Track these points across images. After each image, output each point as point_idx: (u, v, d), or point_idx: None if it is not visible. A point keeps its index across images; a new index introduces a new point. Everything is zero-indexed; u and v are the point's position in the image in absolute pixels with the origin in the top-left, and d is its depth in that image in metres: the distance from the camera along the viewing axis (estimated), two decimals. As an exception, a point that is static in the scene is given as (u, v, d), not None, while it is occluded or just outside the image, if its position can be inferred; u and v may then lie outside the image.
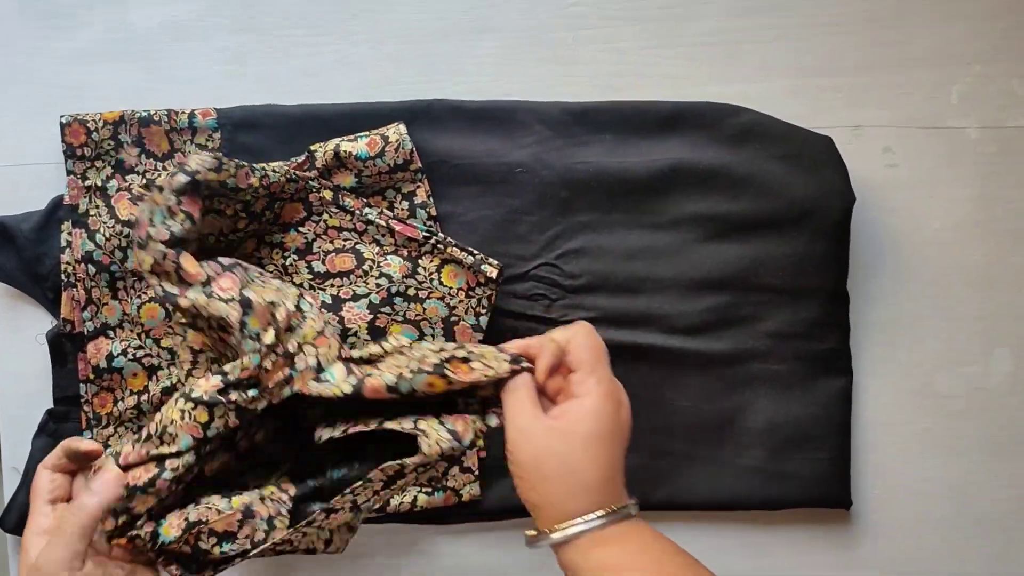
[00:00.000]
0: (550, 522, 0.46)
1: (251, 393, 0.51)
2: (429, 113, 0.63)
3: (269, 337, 0.51)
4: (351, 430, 0.52)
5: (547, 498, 0.46)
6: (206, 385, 0.50)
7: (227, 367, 0.51)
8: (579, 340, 0.49)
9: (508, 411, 0.48)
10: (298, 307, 0.53)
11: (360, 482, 0.50)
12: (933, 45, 0.65)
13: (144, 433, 0.50)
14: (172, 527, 0.49)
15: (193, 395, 0.50)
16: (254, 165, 0.57)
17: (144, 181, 0.62)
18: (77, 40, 0.65)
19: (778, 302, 0.63)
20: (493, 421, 0.51)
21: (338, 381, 0.51)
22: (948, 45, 0.65)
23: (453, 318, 0.61)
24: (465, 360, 0.50)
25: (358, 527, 0.56)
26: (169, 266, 0.52)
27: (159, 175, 0.62)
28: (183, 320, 0.55)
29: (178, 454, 0.49)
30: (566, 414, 0.47)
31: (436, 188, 0.62)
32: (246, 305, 0.51)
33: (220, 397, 0.50)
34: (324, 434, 0.52)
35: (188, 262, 0.52)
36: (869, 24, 0.65)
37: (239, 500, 0.51)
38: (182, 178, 0.52)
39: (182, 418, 0.50)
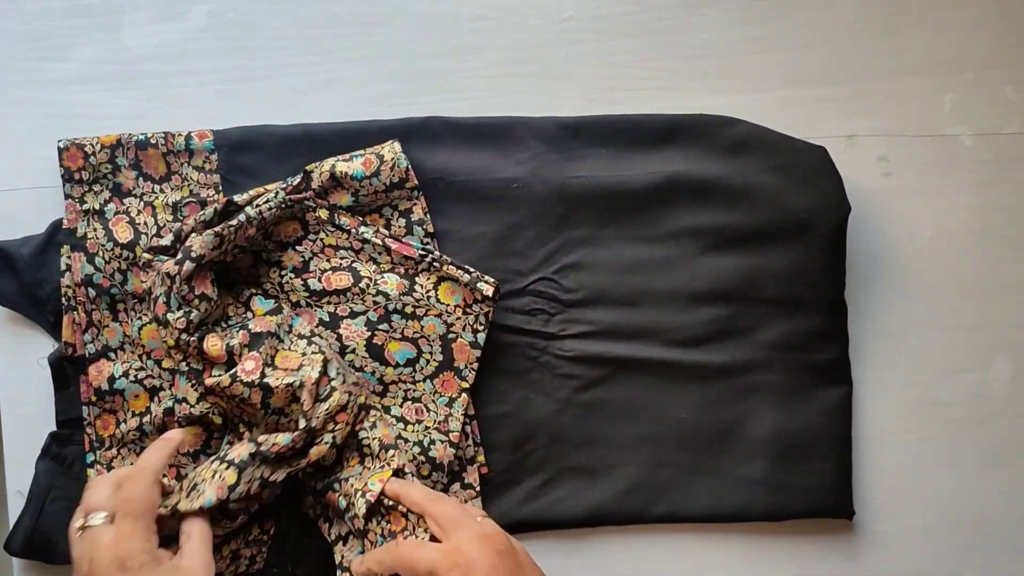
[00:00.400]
0: None
1: (275, 467, 0.54)
2: (424, 130, 0.63)
3: (302, 421, 0.54)
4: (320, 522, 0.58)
5: None
6: (240, 449, 0.53)
7: (260, 439, 0.54)
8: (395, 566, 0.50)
9: None
10: (324, 372, 0.56)
11: None
12: (925, 54, 0.65)
13: (178, 486, 0.53)
14: None
15: (227, 457, 0.53)
16: (251, 215, 0.58)
17: (152, 199, 0.63)
18: (72, 64, 0.65)
19: (776, 313, 0.63)
20: None
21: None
22: (941, 54, 0.65)
23: (451, 335, 0.61)
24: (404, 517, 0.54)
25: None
26: (192, 350, 0.56)
27: (156, 197, 0.62)
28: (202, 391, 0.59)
29: (200, 511, 0.52)
30: None
31: (433, 205, 0.63)
32: (266, 391, 0.55)
33: (250, 462, 0.53)
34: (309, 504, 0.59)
35: (211, 346, 0.56)
36: (861, 34, 0.65)
37: (228, 549, 0.56)
38: (189, 266, 0.55)
39: (212, 477, 0.52)
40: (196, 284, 0.56)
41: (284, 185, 0.61)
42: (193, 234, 0.57)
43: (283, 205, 0.60)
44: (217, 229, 0.56)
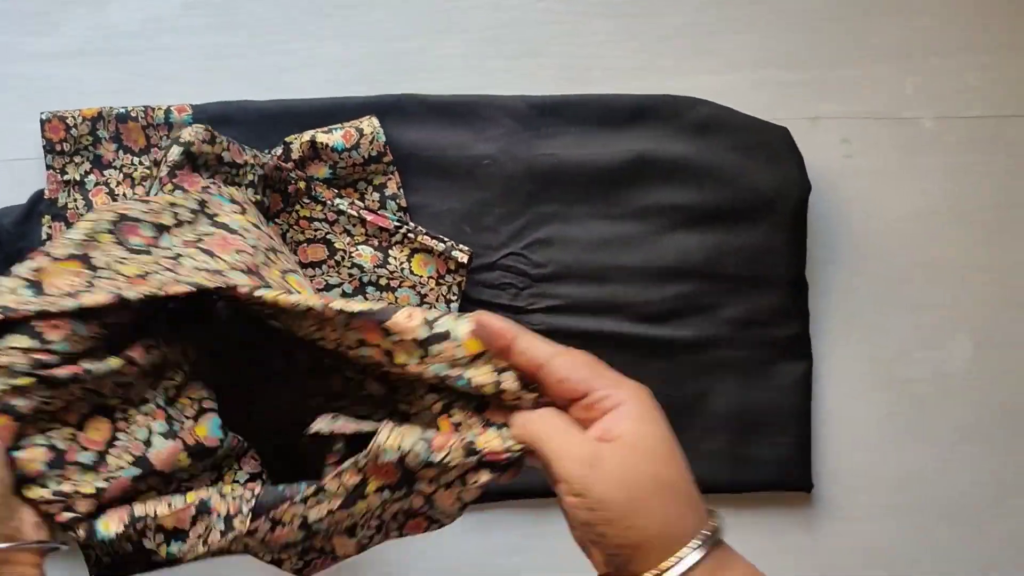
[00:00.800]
0: (656, 559, 0.36)
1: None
2: (399, 108, 0.65)
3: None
4: (336, 429, 0.42)
5: (650, 528, 0.36)
6: None
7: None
8: (561, 362, 0.39)
9: (552, 446, 0.38)
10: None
11: (313, 492, 0.40)
12: (892, 39, 0.67)
13: None
14: (113, 522, 0.41)
15: None
16: (244, 146, 0.58)
17: (131, 171, 0.63)
18: (58, 38, 0.67)
19: (739, 290, 0.64)
20: (481, 439, 0.40)
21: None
22: (907, 39, 0.67)
23: (424, 306, 0.63)
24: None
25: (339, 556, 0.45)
26: None
27: (135, 169, 0.64)
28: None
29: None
30: (614, 429, 0.37)
31: (406, 180, 0.64)
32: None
33: None
34: (317, 426, 0.43)
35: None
36: (830, 19, 0.67)
37: (194, 495, 0.42)
38: (177, 150, 0.54)
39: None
40: (180, 175, 0.53)
41: (273, 155, 0.62)
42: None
43: (276, 165, 0.60)
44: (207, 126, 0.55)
